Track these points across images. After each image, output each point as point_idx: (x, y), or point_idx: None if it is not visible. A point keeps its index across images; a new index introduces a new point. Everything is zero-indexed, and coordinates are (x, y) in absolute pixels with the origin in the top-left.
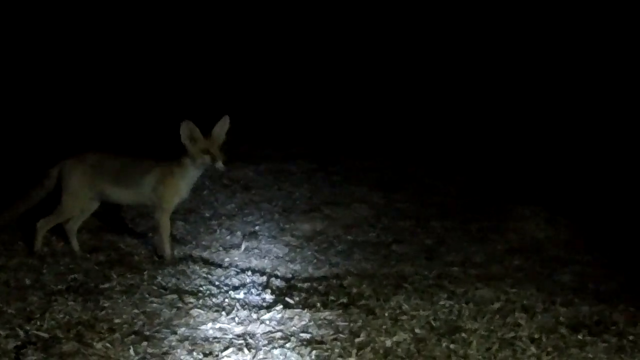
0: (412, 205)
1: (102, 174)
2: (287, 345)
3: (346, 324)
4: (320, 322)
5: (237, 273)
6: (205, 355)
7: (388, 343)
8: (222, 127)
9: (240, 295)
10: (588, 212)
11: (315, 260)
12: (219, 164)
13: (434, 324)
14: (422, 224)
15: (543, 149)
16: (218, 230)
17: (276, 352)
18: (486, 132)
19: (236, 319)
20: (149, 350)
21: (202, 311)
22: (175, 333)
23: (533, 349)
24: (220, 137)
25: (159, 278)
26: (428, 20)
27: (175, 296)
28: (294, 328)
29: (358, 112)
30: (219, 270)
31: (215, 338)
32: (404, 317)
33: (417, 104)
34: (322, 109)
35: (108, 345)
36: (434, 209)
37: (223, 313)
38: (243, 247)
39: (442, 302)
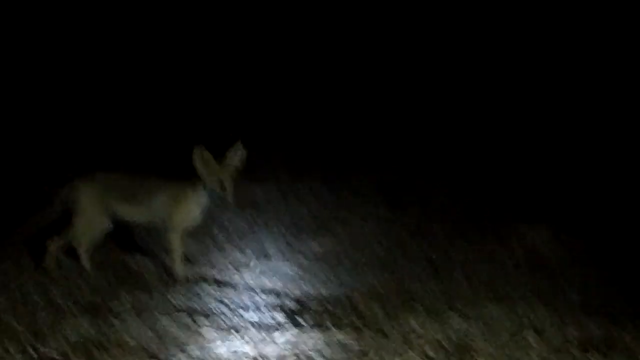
0: (418, 221)
1: (112, 193)
2: None
3: (357, 344)
4: (331, 342)
5: (249, 293)
6: None
7: None
8: (236, 154)
9: (252, 315)
10: (593, 227)
11: (325, 280)
12: (229, 197)
13: (444, 345)
14: (429, 240)
15: (549, 165)
16: (229, 250)
17: None
18: (493, 149)
19: (248, 339)
20: None
21: (213, 331)
22: (187, 353)
23: None
24: (234, 165)
25: (170, 297)
26: (438, 36)
27: (186, 316)
28: (305, 348)
29: (364, 128)
30: (230, 290)
31: (226, 359)
32: (415, 338)
33: (423, 121)
34: (328, 126)
35: None
36: (440, 225)
37: (234, 333)
38: (254, 266)
39: (452, 322)
